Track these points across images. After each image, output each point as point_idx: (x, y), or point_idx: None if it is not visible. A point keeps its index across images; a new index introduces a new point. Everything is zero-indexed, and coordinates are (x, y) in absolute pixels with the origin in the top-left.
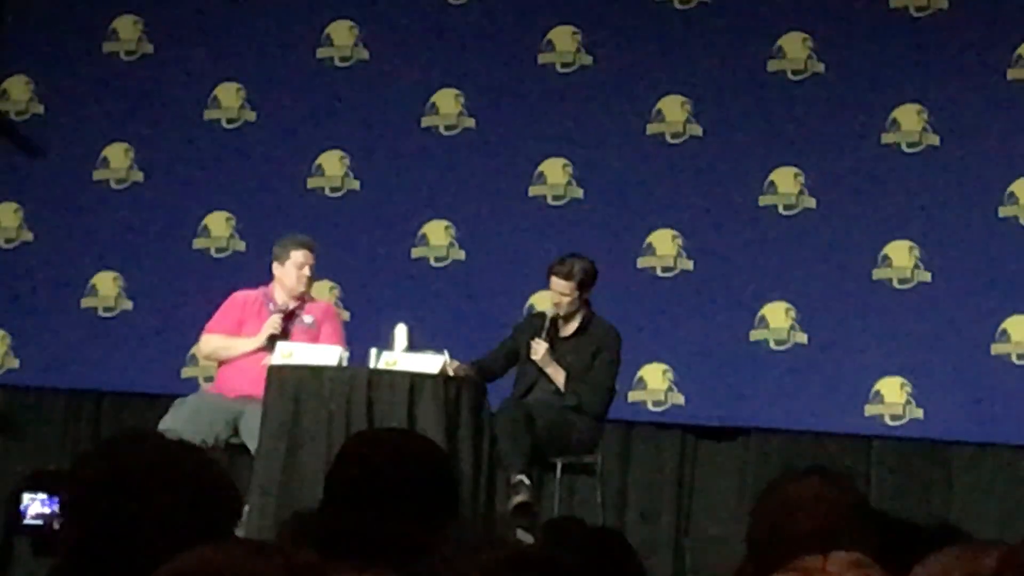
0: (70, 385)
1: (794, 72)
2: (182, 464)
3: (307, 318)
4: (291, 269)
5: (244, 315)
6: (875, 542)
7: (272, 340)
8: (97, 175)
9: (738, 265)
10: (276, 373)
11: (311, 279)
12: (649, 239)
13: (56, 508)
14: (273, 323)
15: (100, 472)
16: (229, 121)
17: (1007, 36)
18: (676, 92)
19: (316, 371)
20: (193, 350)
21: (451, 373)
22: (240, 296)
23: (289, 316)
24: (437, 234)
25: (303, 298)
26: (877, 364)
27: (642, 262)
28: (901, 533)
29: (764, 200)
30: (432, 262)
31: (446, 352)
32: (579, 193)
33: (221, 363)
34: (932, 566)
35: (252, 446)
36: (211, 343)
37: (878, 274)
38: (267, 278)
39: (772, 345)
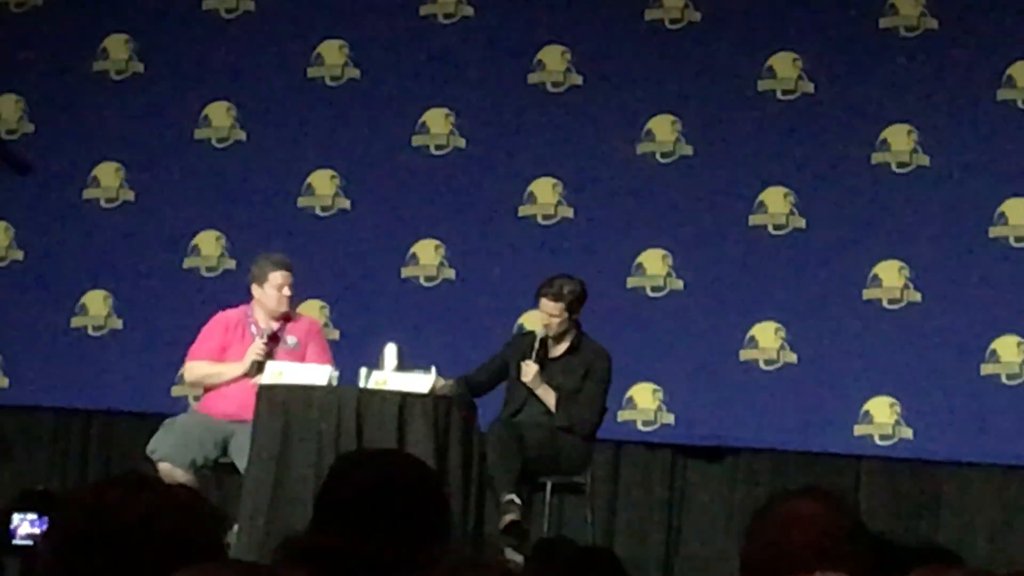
0: (60, 404)
1: (784, 92)
2: (165, 515)
3: (291, 339)
4: (271, 291)
5: (227, 339)
6: (870, 562)
7: (257, 366)
8: (87, 194)
9: (728, 285)
10: (266, 392)
11: (291, 298)
12: (639, 259)
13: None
14: (256, 348)
15: (79, 521)
16: (219, 140)
17: (996, 57)
18: (666, 112)
19: (306, 390)
20: (179, 375)
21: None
22: (222, 318)
23: (273, 339)
24: (427, 253)
25: (285, 317)
26: (867, 384)
27: (632, 282)
28: (895, 554)
29: (754, 220)
30: (422, 281)
31: (434, 369)
32: (569, 212)
33: (207, 389)
34: None
35: (241, 466)
36: (196, 371)
37: (868, 294)
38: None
39: (762, 365)
